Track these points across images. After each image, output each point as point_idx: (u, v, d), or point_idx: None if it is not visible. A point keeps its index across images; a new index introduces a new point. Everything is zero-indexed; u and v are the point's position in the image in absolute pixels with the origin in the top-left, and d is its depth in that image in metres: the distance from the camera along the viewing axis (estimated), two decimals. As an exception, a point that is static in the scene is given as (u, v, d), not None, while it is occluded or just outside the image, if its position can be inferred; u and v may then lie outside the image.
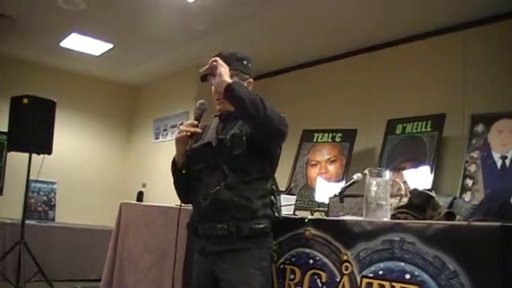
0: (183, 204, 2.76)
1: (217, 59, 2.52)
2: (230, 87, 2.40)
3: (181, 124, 2.73)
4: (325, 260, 2.54)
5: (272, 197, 2.62)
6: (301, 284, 2.62)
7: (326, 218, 3.12)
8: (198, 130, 2.62)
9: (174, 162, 2.74)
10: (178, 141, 2.64)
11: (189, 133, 2.59)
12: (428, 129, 5.03)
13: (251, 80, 2.75)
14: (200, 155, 2.64)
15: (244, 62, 2.70)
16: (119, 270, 4.48)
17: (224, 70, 2.47)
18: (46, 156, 6.10)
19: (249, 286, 2.45)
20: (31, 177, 6.09)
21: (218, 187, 2.50)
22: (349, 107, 6.13)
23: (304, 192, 5.72)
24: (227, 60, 2.61)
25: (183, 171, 2.70)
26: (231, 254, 2.50)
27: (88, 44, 7.16)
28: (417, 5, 5.02)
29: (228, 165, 2.52)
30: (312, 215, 4.78)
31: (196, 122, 2.62)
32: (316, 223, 2.66)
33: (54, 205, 8.25)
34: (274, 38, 6.26)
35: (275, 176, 2.70)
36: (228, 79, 2.42)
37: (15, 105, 6.07)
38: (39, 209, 8.07)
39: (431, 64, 5.43)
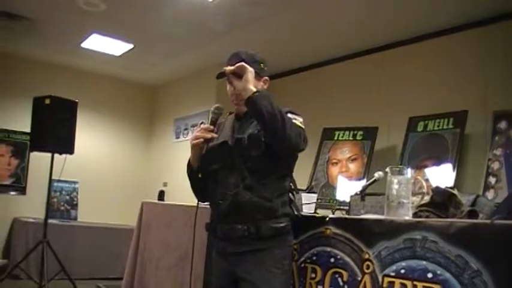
0: (202, 204, 2.77)
1: (244, 64, 2.51)
2: (252, 100, 2.38)
3: (202, 123, 2.72)
4: (347, 258, 2.53)
5: (290, 195, 2.62)
6: (322, 283, 2.61)
7: (347, 216, 3.11)
8: (214, 135, 2.63)
9: (189, 165, 2.75)
10: (194, 147, 2.65)
11: (205, 139, 2.60)
12: (450, 126, 4.98)
13: (267, 78, 2.76)
14: (216, 154, 2.63)
15: (261, 65, 2.71)
16: (140, 269, 4.50)
17: (251, 76, 2.46)
18: (68, 156, 6.14)
19: (270, 286, 2.45)
20: (53, 177, 6.14)
21: (237, 188, 2.50)
22: (370, 104, 6.10)
23: (325, 190, 5.70)
24: (244, 61, 2.62)
25: (199, 175, 2.71)
26: (252, 254, 2.49)
27: (108, 45, 7.21)
28: (436, 3, 4.98)
29: (246, 165, 2.52)
30: (333, 213, 4.76)
31: (212, 127, 2.63)
32: (338, 222, 2.65)
33: (77, 204, 8.32)
34: (294, 36, 6.24)
35: (294, 173, 2.69)
36: (252, 87, 2.41)
37: (37, 105, 6.12)
38: (62, 208, 8.14)
39: (453, 61, 5.38)
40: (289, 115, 2.50)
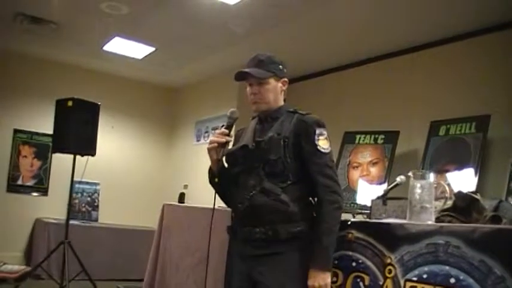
0: (223, 206, 2.79)
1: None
2: (326, 268, 2.45)
3: (222, 126, 2.74)
4: (368, 263, 2.52)
5: (310, 199, 2.62)
6: (343, 287, 2.60)
7: (369, 220, 3.10)
8: (229, 139, 2.65)
9: (210, 172, 2.76)
10: (210, 151, 2.67)
11: (220, 143, 2.61)
12: (473, 130, 4.93)
13: (286, 79, 2.76)
14: (237, 158, 2.66)
15: (280, 67, 2.71)
16: (161, 271, 4.52)
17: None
18: (90, 157, 6.19)
19: None
20: (75, 179, 6.19)
21: (254, 192, 2.51)
22: (391, 108, 6.07)
23: (346, 194, 5.67)
24: (263, 63, 2.65)
25: (216, 180, 2.72)
26: (269, 258, 2.51)
27: (131, 48, 7.26)
28: (458, 6, 4.94)
29: (264, 169, 2.53)
30: (354, 217, 4.75)
31: (227, 131, 2.65)
32: (359, 226, 2.64)
33: (98, 206, 8.39)
34: (315, 39, 6.23)
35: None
36: (325, 281, 2.43)
37: (60, 107, 6.17)
38: (83, 209, 8.21)
39: (475, 65, 5.33)
40: (317, 130, 2.55)
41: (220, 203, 2.88)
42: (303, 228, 2.51)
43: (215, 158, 2.66)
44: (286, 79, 2.76)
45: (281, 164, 2.51)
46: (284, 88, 2.73)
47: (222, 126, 2.73)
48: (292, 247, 2.50)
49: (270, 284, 2.47)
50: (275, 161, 2.52)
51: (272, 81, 2.65)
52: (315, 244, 2.44)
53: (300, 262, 2.49)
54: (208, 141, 2.68)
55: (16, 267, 4.15)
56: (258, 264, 2.52)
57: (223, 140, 2.63)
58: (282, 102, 2.73)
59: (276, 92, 2.68)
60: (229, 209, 2.81)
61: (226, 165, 2.74)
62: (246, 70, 2.64)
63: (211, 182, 2.78)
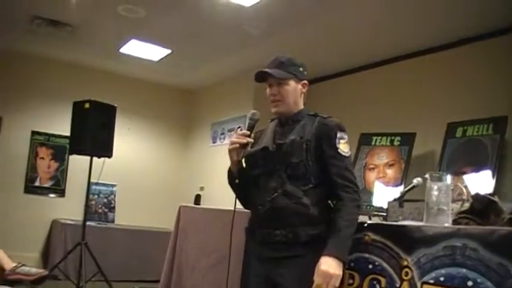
0: (240, 208, 2.78)
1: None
2: (343, 259, 2.41)
3: (239, 128, 2.74)
4: (385, 265, 2.51)
5: (329, 202, 2.61)
6: (357, 290, 2.59)
7: (385, 222, 3.09)
8: (250, 140, 2.64)
9: (229, 173, 2.76)
10: (230, 152, 2.66)
11: (241, 145, 2.62)
12: (490, 132, 4.89)
13: (306, 81, 2.75)
14: (257, 160, 2.65)
15: (300, 69, 2.71)
16: (177, 273, 4.52)
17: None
18: (106, 159, 6.22)
19: None
20: (92, 180, 6.23)
21: (275, 194, 2.51)
22: (407, 110, 6.04)
23: (362, 196, 5.63)
24: (283, 65, 2.64)
25: (236, 181, 2.72)
26: (288, 260, 2.50)
27: (147, 50, 7.30)
28: (476, 7, 4.92)
29: (286, 172, 2.53)
30: (370, 219, 4.73)
31: (248, 132, 2.64)
32: (376, 228, 2.63)
33: (114, 207, 8.43)
34: (330, 41, 6.23)
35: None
36: (336, 271, 2.36)
37: (77, 109, 6.22)
38: (100, 211, 8.25)
39: (492, 65, 5.30)
40: (338, 134, 2.56)
41: (237, 205, 2.88)
42: (323, 231, 2.49)
43: (235, 159, 2.65)
44: (306, 82, 2.75)
45: (303, 167, 2.51)
46: (304, 90, 2.72)
47: (239, 127, 2.74)
48: (312, 249, 2.47)
49: (289, 286, 2.47)
50: (297, 164, 2.52)
51: (292, 82, 2.65)
52: (335, 233, 2.42)
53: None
54: (229, 141, 2.68)
55: (34, 269, 4.15)
56: (278, 267, 2.52)
57: (245, 141, 2.62)
58: (302, 105, 2.73)
59: (295, 93, 2.67)
60: (246, 211, 2.81)
61: (244, 166, 2.74)
62: (266, 70, 2.63)
63: (231, 183, 2.78)
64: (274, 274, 2.53)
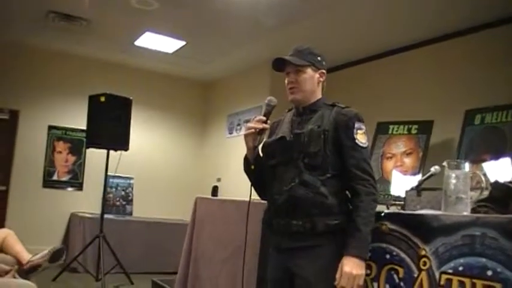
0: (257, 199, 2.77)
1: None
2: (365, 258, 2.41)
3: (255, 117, 2.72)
4: (403, 255, 2.48)
5: (347, 192, 2.59)
6: (377, 279, 2.57)
7: (403, 212, 3.06)
8: (266, 126, 2.63)
9: (245, 160, 2.74)
10: (246, 137, 2.64)
11: (257, 130, 2.60)
12: (509, 119, 4.84)
13: (324, 71, 2.71)
14: (275, 149, 2.64)
15: (319, 58, 2.67)
16: (194, 264, 4.53)
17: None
18: (123, 152, 6.24)
19: (324, 282, 2.43)
20: (109, 173, 6.26)
21: (293, 184, 2.49)
22: (425, 98, 5.99)
23: (380, 185, 5.60)
24: (301, 53, 2.63)
25: (252, 167, 2.70)
26: (306, 250, 2.48)
27: (161, 42, 7.29)
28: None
29: (304, 161, 2.51)
30: (387, 208, 4.69)
31: (264, 118, 2.63)
32: (393, 217, 2.60)
33: (132, 200, 8.46)
34: (346, 30, 6.19)
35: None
36: (359, 271, 2.37)
37: (93, 103, 6.25)
38: (117, 203, 8.29)
39: (510, 51, 5.22)
40: (356, 124, 2.54)
41: (254, 196, 2.86)
42: (340, 222, 2.48)
43: (251, 145, 2.64)
44: (324, 71, 2.72)
45: (320, 157, 2.49)
46: (322, 80, 2.69)
47: (255, 117, 2.71)
48: (330, 240, 2.47)
49: (307, 276, 2.46)
50: (315, 153, 2.49)
51: (309, 70, 2.62)
52: (354, 233, 2.40)
53: (337, 255, 2.45)
54: (245, 127, 2.66)
55: (45, 251, 4.20)
56: (295, 257, 2.51)
57: (261, 126, 2.60)
58: (319, 95, 2.70)
59: (313, 82, 2.65)
60: (262, 202, 2.79)
61: (261, 154, 2.72)
62: (283, 57, 2.61)
63: (247, 170, 2.76)
64: (292, 265, 2.52)
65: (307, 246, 2.48)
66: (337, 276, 2.37)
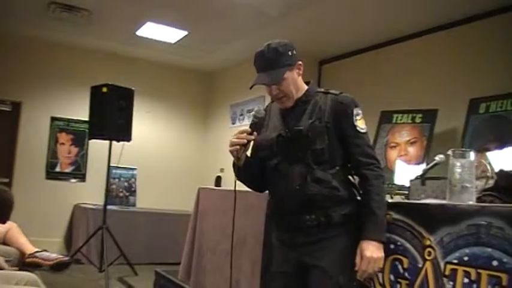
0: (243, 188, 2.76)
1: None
2: (383, 241, 2.43)
3: (257, 107, 2.68)
4: (407, 245, 2.47)
5: (350, 177, 2.58)
6: (382, 270, 2.54)
7: (407, 201, 3.04)
8: (251, 138, 2.57)
9: (235, 167, 2.71)
10: (231, 153, 2.60)
11: (241, 145, 2.57)
12: (515, 107, 4.80)
13: (300, 62, 2.61)
14: (273, 149, 2.59)
15: (290, 53, 2.56)
16: (197, 254, 4.53)
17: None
18: (126, 143, 6.23)
19: (341, 271, 2.44)
20: (112, 164, 6.24)
21: (304, 181, 2.47)
22: (429, 86, 5.94)
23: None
24: (273, 62, 2.54)
25: (243, 173, 2.70)
26: (324, 242, 2.47)
27: (163, 32, 7.26)
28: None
29: (312, 158, 2.47)
30: (391, 198, 4.67)
31: (250, 130, 2.58)
32: (397, 207, 2.58)
33: (135, 191, 8.46)
34: (349, 19, 6.14)
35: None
36: (379, 254, 2.40)
37: (95, 94, 6.23)
38: (121, 194, 8.29)
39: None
40: (354, 110, 2.51)
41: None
42: (352, 209, 2.48)
43: (237, 157, 2.60)
44: (300, 62, 2.62)
45: (327, 151, 2.47)
46: (301, 72, 2.61)
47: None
48: (343, 229, 2.47)
49: (326, 266, 2.45)
50: (322, 149, 2.47)
51: (288, 74, 2.54)
52: (370, 217, 2.41)
53: (353, 242, 2.45)
54: (229, 142, 2.61)
55: (54, 255, 4.18)
56: (312, 250, 2.49)
57: (244, 141, 2.56)
58: (304, 86, 2.64)
59: (295, 81, 2.57)
60: (266, 193, 2.77)
61: (249, 154, 2.70)
62: (261, 83, 2.57)
63: (238, 177, 2.75)
64: (309, 258, 2.50)
65: (324, 238, 2.48)
66: (357, 260, 2.40)
